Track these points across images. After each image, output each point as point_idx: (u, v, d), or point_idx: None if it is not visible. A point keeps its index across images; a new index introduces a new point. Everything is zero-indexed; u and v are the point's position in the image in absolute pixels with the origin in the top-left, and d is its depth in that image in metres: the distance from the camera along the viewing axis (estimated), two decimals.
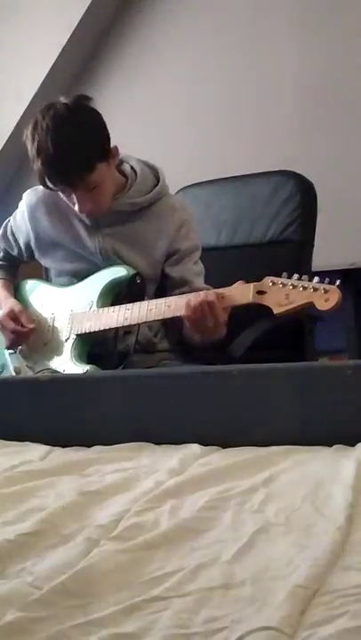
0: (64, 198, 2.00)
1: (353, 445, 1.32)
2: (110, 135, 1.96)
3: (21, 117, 3.92)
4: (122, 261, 2.03)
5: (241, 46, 3.74)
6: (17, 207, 2.21)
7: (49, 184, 1.94)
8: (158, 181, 2.07)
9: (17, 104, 3.98)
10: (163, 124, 3.93)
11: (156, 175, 2.09)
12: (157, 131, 3.90)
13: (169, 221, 2.05)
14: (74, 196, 1.95)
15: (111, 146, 1.96)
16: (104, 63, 4.05)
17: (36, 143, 1.88)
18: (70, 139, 1.87)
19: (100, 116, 1.95)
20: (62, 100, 1.92)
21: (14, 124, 3.98)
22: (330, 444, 1.35)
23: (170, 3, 3.88)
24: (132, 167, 2.07)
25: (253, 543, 0.94)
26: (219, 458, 1.33)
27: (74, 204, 1.97)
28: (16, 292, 2.22)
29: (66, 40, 3.89)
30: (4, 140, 4.07)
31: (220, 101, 3.80)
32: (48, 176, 1.91)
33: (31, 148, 1.90)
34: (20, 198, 2.20)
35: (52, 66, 3.95)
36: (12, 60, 4.05)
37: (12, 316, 2.08)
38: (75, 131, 1.88)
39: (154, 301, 1.90)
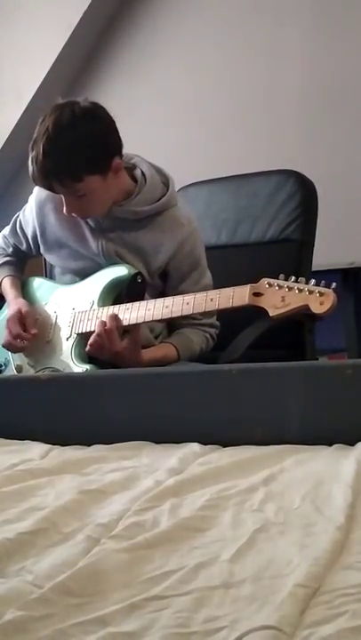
0: None
1: (353, 445, 1.32)
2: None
3: (21, 117, 3.93)
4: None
5: (243, 45, 3.74)
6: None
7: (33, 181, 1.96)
8: (168, 190, 2.05)
9: (17, 103, 3.98)
10: (163, 123, 3.93)
11: (165, 183, 2.07)
12: (157, 130, 3.90)
13: (171, 236, 2.03)
14: (63, 198, 1.97)
15: (115, 161, 1.94)
16: (104, 62, 4.05)
17: (32, 140, 1.91)
18: (62, 145, 1.88)
19: (104, 129, 1.94)
20: (74, 103, 1.92)
21: (14, 123, 3.99)
22: (330, 444, 1.35)
23: (171, 2, 3.88)
24: (142, 173, 2.05)
25: (253, 542, 0.94)
26: (219, 457, 1.33)
27: (63, 205, 1.98)
28: (22, 289, 2.22)
29: (66, 39, 3.90)
30: (4, 140, 4.07)
31: (221, 101, 3.81)
32: (31, 173, 1.93)
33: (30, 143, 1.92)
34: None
35: (53, 65, 3.95)
36: (12, 59, 4.05)
37: (19, 316, 2.08)
38: (69, 139, 1.88)
39: (152, 301, 1.90)
